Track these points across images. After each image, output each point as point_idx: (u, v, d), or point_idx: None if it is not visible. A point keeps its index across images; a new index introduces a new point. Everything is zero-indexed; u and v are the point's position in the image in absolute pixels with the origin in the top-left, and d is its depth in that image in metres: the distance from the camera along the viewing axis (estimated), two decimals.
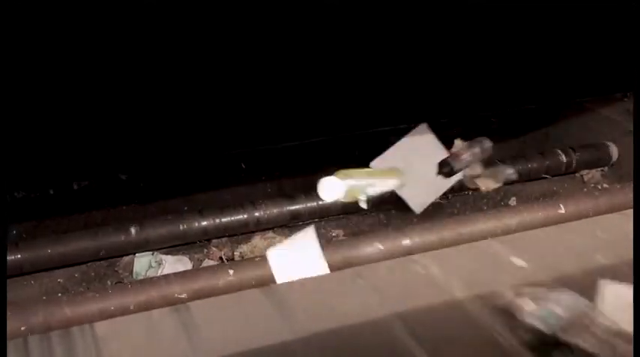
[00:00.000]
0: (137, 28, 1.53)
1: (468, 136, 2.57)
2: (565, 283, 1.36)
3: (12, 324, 1.22)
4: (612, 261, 1.42)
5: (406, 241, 1.73)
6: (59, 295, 1.81)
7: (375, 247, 1.72)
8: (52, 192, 2.14)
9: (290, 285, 1.19)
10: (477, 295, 1.19)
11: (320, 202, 2.09)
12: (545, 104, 2.38)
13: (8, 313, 1.28)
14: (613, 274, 1.31)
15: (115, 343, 1.02)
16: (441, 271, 1.28)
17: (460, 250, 1.42)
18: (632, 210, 1.53)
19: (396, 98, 2.00)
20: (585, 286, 1.32)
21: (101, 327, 1.04)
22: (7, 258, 1.78)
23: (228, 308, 1.12)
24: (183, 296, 1.39)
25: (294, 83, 1.81)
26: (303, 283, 1.22)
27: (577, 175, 2.40)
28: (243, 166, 2.41)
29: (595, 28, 1.94)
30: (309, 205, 2.08)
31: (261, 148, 2.28)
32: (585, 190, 2.32)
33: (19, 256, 1.79)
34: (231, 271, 1.51)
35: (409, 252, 1.68)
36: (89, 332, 1.03)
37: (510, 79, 2.05)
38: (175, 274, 1.50)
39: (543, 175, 2.33)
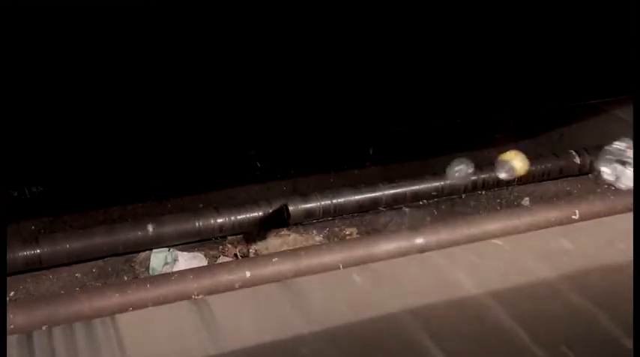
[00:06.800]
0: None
1: (486, 137, 2.60)
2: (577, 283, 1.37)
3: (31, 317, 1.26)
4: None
5: (420, 240, 1.74)
6: (77, 289, 1.86)
7: (389, 245, 1.74)
8: (69, 187, 2.17)
9: (305, 280, 1.21)
10: (489, 291, 1.21)
11: (333, 201, 2.11)
12: (562, 105, 2.39)
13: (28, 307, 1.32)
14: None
15: (136, 336, 1.04)
16: (456, 269, 1.30)
17: (474, 248, 1.43)
18: None
19: (413, 99, 2.02)
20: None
21: (122, 319, 1.07)
22: (27, 252, 1.81)
23: (246, 302, 1.15)
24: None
25: (311, 80, 1.83)
26: (318, 278, 1.24)
27: (590, 175, 2.41)
28: (259, 165, 2.44)
29: (612, 29, 1.96)
30: (323, 203, 2.10)
31: (276, 147, 2.31)
32: (599, 190, 2.32)
33: (38, 250, 1.81)
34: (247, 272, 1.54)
35: (422, 251, 1.70)
36: (110, 324, 1.05)
37: (529, 80, 2.07)
38: (192, 269, 1.52)
39: None
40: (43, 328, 1.13)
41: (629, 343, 1.08)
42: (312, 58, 1.81)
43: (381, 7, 1.74)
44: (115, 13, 1.53)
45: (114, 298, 1.36)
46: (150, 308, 1.18)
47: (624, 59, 2.03)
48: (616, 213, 1.86)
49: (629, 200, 1.89)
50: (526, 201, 2.30)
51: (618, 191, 2.09)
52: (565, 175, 2.38)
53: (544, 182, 2.37)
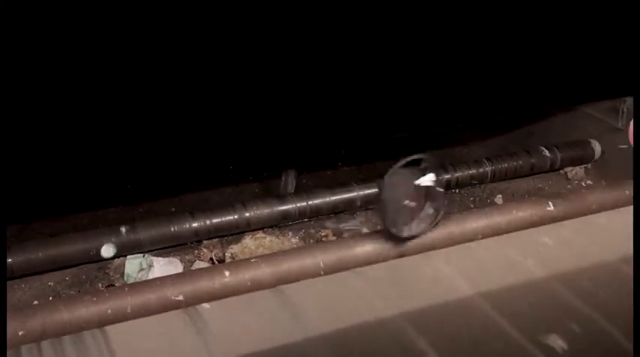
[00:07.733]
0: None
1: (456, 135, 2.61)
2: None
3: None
4: None
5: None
6: (50, 298, 1.82)
7: (367, 246, 1.73)
8: (37, 193, 2.12)
9: (296, 286, 1.20)
10: (482, 292, 1.21)
11: (309, 202, 2.09)
12: (543, 109, 2.41)
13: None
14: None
15: (128, 347, 1.02)
16: (444, 270, 1.30)
17: (459, 249, 1.43)
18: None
19: (394, 106, 2.01)
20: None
21: (112, 331, 1.04)
22: None
23: (239, 310, 1.13)
24: (180, 298, 1.40)
25: (294, 84, 1.82)
26: (309, 283, 1.23)
27: (561, 172, 2.43)
28: (231, 167, 2.42)
29: (587, 35, 1.97)
30: (298, 204, 2.08)
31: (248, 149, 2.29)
32: (569, 186, 2.35)
33: (10, 260, 1.77)
34: (227, 273, 1.52)
35: (401, 252, 1.69)
36: (100, 336, 1.03)
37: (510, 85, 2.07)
38: (172, 275, 1.50)
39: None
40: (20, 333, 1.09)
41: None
42: (284, 62, 1.80)
43: (351, 19, 1.74)
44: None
45: (92, 308, 1.34)
46: (140, 319, 1.15)
47: (606, 64, 2.05)
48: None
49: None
50: (499, 199, 2.31)
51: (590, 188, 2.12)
52: (536, 171, 2.40)
53: (516, 179, 2.39)
